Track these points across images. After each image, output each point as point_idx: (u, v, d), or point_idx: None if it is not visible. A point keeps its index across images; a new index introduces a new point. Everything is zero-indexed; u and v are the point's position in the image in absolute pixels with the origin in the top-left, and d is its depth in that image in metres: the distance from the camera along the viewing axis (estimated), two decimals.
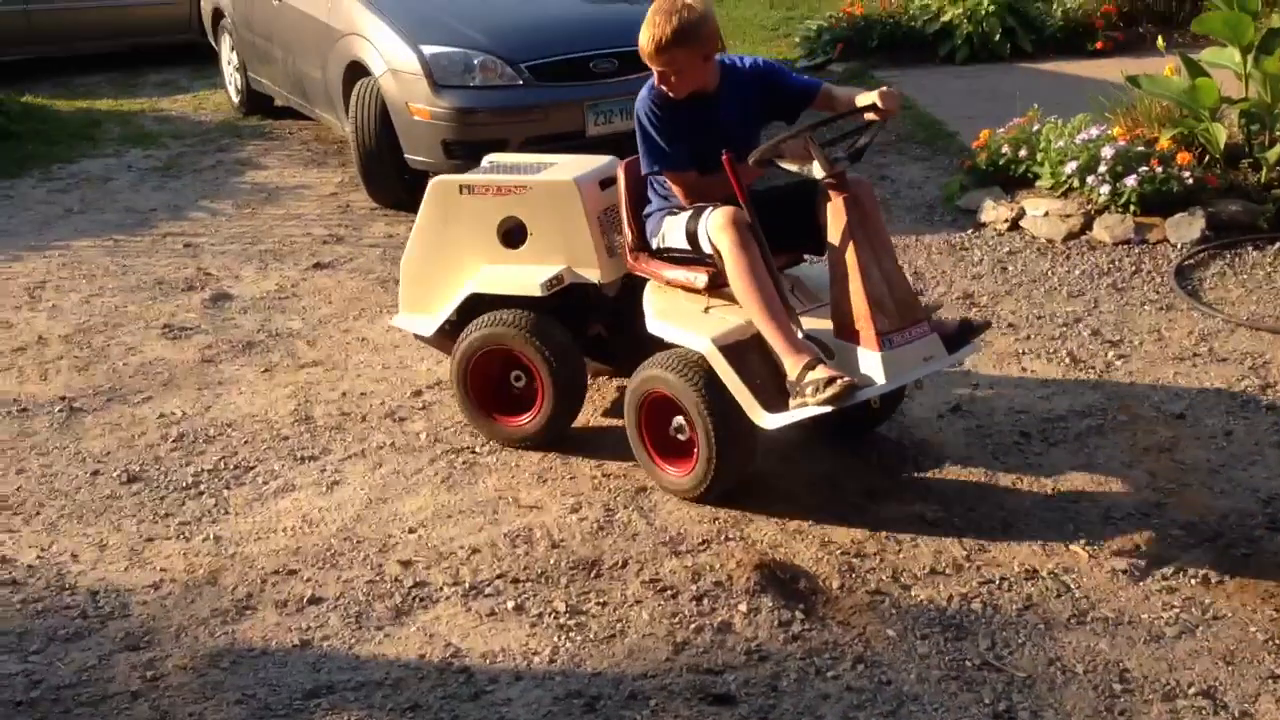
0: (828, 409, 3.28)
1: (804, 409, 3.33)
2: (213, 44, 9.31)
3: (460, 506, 3.78)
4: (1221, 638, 3.05)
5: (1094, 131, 5.90)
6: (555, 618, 3.22)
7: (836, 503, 3.68)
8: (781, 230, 3.60)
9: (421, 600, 3.33)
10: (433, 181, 4.16)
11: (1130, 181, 5.62)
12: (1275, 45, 5.66)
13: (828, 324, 3.51)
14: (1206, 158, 5.83)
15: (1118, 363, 4.51)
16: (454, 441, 4.16)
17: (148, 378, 4.79)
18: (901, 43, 9.33)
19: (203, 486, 3.97)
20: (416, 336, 4.45)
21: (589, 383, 4.25)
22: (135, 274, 5.89)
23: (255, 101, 8.72)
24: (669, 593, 3.30)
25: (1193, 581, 3.26)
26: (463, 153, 6.04)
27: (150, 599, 3.38)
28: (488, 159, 4.42)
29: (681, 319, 3.67)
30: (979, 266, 5.50)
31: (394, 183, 6.61)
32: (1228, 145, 5.83)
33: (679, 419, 3.67)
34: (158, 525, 3.76)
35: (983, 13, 9.11)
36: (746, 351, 3.49)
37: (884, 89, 3.49)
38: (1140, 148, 5.74)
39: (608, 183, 4.00)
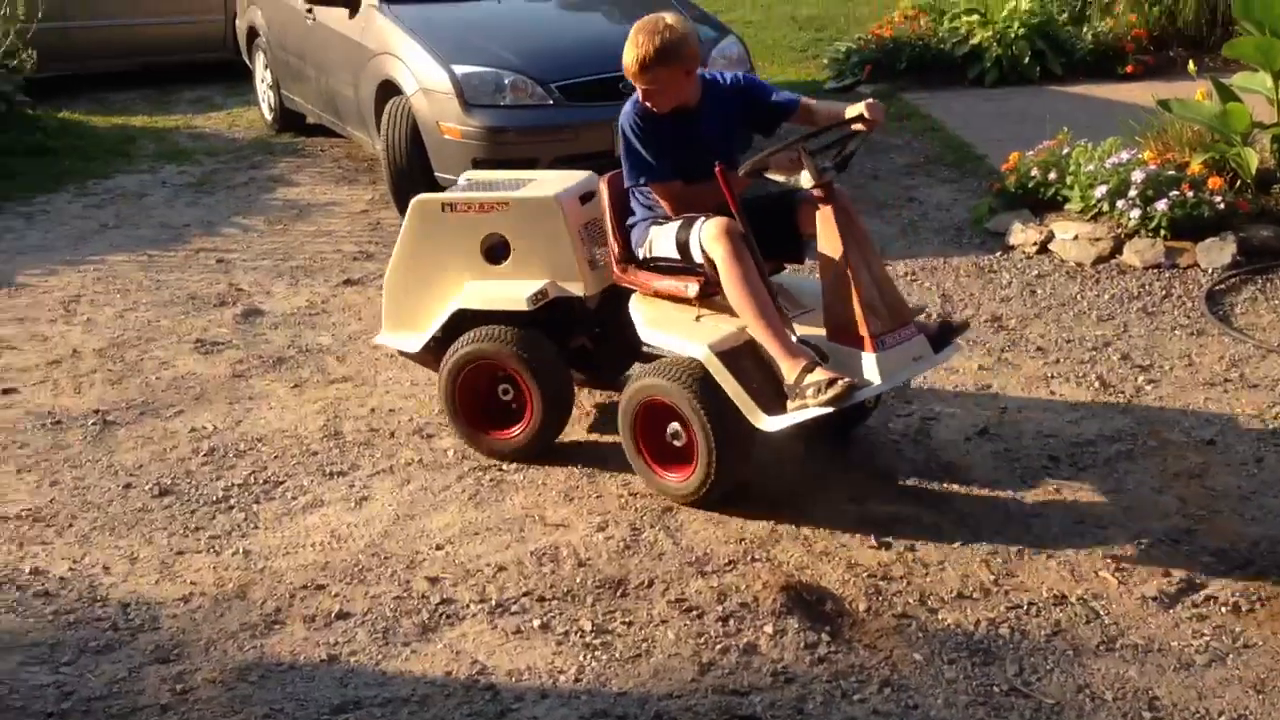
0: (829, 409, 3.39)
1: (804, 410, 3.43)
2: (247, 62, 9.41)
3: (487, 524, 3.80)
4: (1252, 666, 3.03)
5: (1124, 155, 5.89)
6: (581, 636, 3.23)
7: (863, 525, 3.68)
8: (764, 239, 3.70)
9: (448, 617, 3.34)
10: (415, 200, 4.22)
11: (1161, 206, 5.60)
12: None
13: (816, 329, 3.65)
14: (1238, 183, 5.81)
15: (1148, 387, 4.49)
16: (481, 459, 4.18)
17: (180, 392, 4.83)
18: (930, 65, 9.31)
19: (233, 501, 4.01)
20: (401, 353, 4.51)
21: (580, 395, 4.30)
22: (168, 289, 5.95)
23: (288, 119, 8.80)
24: (695, 613, 3.30)
25: (1223, 609, 3.24)
26: None
27: (180, 612, 3.41)
28: (464, 176, 4.49)
29: (674, 328, 3.76)
30: (1007, 289, 5.49)
31: None
32: (1259, 170, 5.81)
33: (675, 425, 3.73)
34: (188, 539, 3.80)
35: (1012, 35, 9.10)
36: (742, 357, 3.60)
37: (870, 100, 3.64)
38: (1171, 172, 5.72)
39: (587, 197, 4.10)
